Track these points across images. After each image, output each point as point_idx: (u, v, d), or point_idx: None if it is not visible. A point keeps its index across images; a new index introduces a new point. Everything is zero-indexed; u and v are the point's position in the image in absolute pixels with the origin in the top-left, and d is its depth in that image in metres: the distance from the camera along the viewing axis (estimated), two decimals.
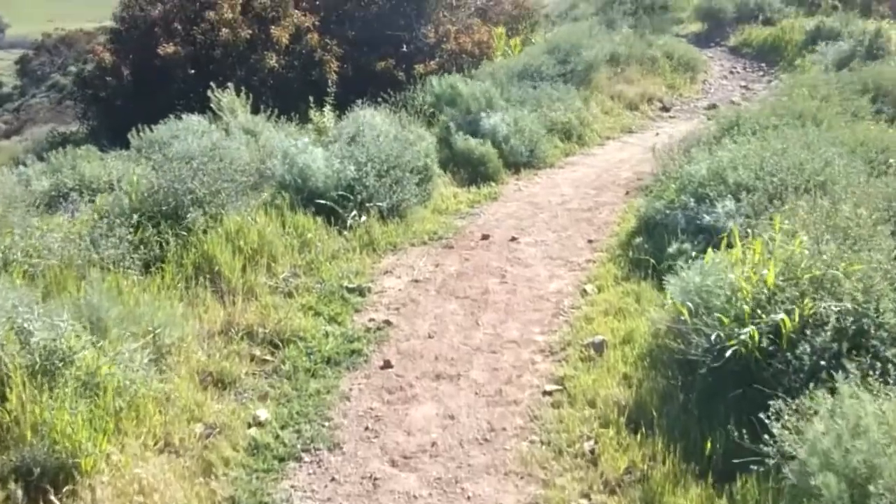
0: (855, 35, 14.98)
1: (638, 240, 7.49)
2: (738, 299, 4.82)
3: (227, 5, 13.84)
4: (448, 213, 9.14)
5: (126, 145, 10.88)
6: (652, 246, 7.22)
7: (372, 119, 10.15)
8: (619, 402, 5.01)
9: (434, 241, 8.22)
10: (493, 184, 10.19)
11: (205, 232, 7.08)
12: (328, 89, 11.52)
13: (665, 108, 14.15)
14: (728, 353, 4.50)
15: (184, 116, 10.93)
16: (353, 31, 15.02)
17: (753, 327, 4.47)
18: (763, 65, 18.03)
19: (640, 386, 5.16)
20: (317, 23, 14.35)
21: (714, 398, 4.61)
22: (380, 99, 12.79)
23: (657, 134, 12.85)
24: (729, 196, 6.92)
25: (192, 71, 13.95)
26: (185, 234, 7.03)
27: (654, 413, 4.74)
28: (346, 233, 7.92)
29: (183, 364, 5.37)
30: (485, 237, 8.28)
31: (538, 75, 13.54)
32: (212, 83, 11.53)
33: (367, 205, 8.27)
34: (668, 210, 7.41)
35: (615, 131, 12.87)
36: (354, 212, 8.12)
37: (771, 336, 4.50)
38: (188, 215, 7.16)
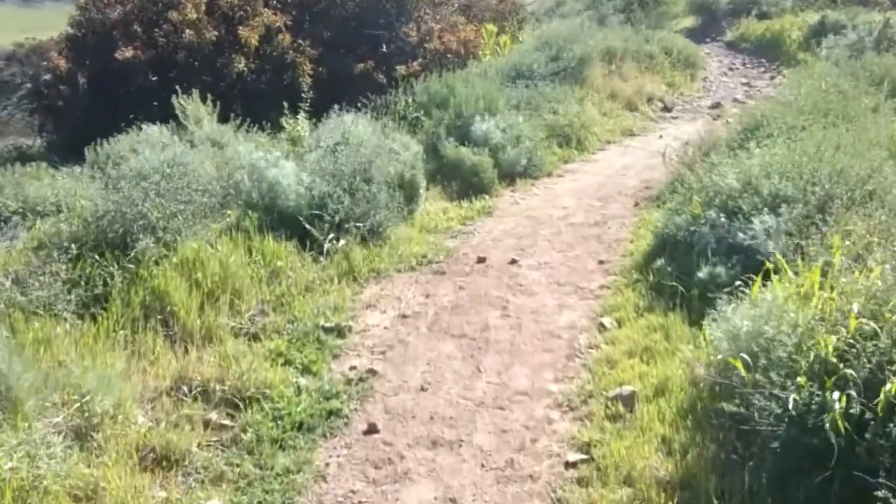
0: (861, 27, 14.09)
1: (659, 261, 6.48)
2: (811, 349, 3.83)
3: (190, 5, 12.77)
4: (438, 231, 8.12)
5: (83, 160, 9.82)
6: (676, 269, 6.24)
7: (350, 126, 9.11)
8: (661, 479, 4.01)
9: (423, 265, 7.20)
10: (486, 197, 9.18)
11: (157, 263, 6.05)
12: (302, 94, 10.48)
13: (666, 108, 13.20)
14: (812, 424, 3.50)
15: (144, 127, 9.87)
16: (329, 31, 14.00)
17: (841, 393, 3.48)
18: (763, 60, 17.13)
19: (686, 455, 4.16)
20: (289, 23, 13.29)
21: (791, 481, 3.61)
22: (359, 104, 11.82)
23: (660, 136, 11.88)
24: (765, 210, 5.95)
25: (154, 77, 12.86)
26: (133, 266, 5.99)
27: (713, 498, 3.73)
28: (322, 259, 6.90)
29: (118, 439, 4.32)
30: (481, 260, 7.27)
31: (530, 74, 12.54)
32: (175, 89, 10.47)
33: (346, 225, 7.24)
34: (693, 227, 6.42)
35: (615, 134, 11.89)
36: (331, 234, 7.09)
37: (863, 401, 3.51)
38: (137, 244, 6.12)
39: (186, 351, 5.36)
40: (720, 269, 5.76)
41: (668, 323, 5.61)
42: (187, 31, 12.55)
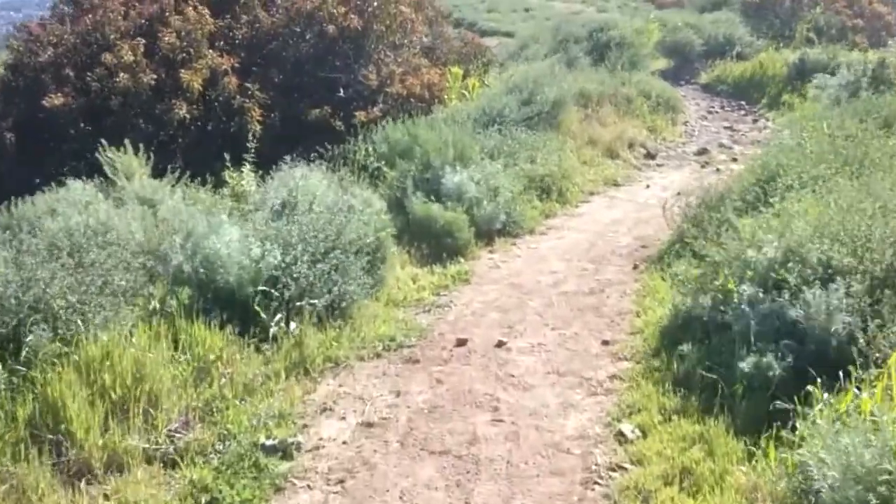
0: (855, 66, 13.28)
1: (684, 347, 5.28)
2: None
3: (126, 46, 11.45)
4: (408, 304, 6.87)
5: None
6: (707, 355, 5.06)
7: (304, 181, 7.88)
8: None
9: (392, 351, 5.92)
10: (462, 260, 7.95)
11: (53, 364, 4.72)
12: (248, 144, 9.24)
13: (650, 155, 12.17)
14: None
15: (69, 182, 8.53)
16: (281, 74, 12.76)
17: None
18: (742, 103, 16.29)
19: None
20: (237, 65, 12.02)
21: None
22: (315, 153, 10.63)
23: (647, 186, 10.82)
24: (817, 283, 4.79)
25: (87, 126, 11.51)
26: (22, 370, 4.67)
27: None
28: (267, 347, 5.59)
29: None
30: (461, 342, 6.01)
31: (502, 119, 11.44)
32: (106, 140, 9.14)
33: (299, 303, 5.96)
34: (724, 305, 5.23)
35: (598, 184, 10.79)
36: (280, 315, 5.80)
37: None
38: (28, 339, 4.80)
39: (77, 488, 4.01)
40: (769, 360, 4.57)
41: (709, 432, 4.39)
42: (122, 74, 11.25)
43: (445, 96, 13.09)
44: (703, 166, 11.76)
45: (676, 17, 21.98)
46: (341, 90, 12.85)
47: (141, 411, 4.67)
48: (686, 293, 5.91)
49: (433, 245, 8.02)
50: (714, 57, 18.61)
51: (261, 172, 9.16)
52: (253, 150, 9.69)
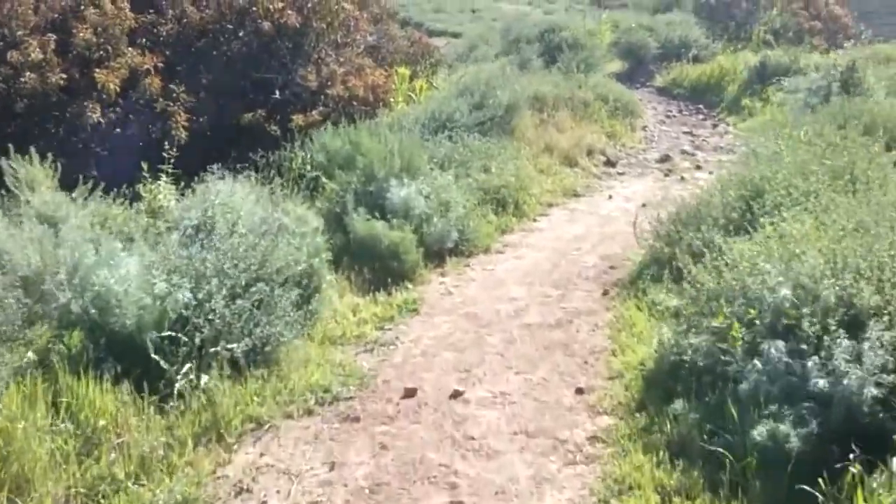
0: (824, 69, 12.66)
1: (677, 403, 4.40)
2: None
3: (35, 43, 10.26)
4: (347, 342, 5.90)
5: None
6: (706, 415, 4.20)
7: (228, 196, 6.86)
8: None
9: (326, 405, 4.95)
10: (410, 285, 7.01)
11: None
12: (165, 153, 8.17)
13: (610, 163, 11.37)
14: None
15: None
16: (211, 74, 11.67)
17: None
18: (701, 107, 15.65)
19: None
20: (160, 64, 10.89)
21: None
22: (247, 162, 9.64)
23: (610, 197, 10.00)
24: (841, 332, 3.95)
25: None
26: None
27: None
28: (171, 408, 4.58)
29: None
30: (409, 393, 5.07)
31: (452, 124, 10.53)
32: (12, 147, 7.99)
33: (214, 349, 4.96)
34: (725, 353, 4.37)
35: (557, 195, 9.93)
36: (190, 365, 4.80)
37: None
38: None
39: None
40: (786, 428, 3.73)
41: None
42: (28, 74, 10.06)
43: (391, 99, 12.15)
44: (666, 175, 11.00)
45: (629, 18, 21.35)
46: (277, 92, 11.82)
47: (3, 501, 3.64)
48: (672, 331, 5.05)
49: (377, 269, 7.06)
50: (669, 59, 17.96)
51: (183, 185, 8.12)
52: (174, 159, 8.65)
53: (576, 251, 8.01)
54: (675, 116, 15.09)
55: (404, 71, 12.43)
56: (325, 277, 6.17)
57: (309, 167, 8.87)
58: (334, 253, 7.17)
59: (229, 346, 5.01)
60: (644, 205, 9.55)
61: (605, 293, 6.84)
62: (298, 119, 10.97)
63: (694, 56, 17.70)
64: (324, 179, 8.42)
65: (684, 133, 13.70)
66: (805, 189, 6.42)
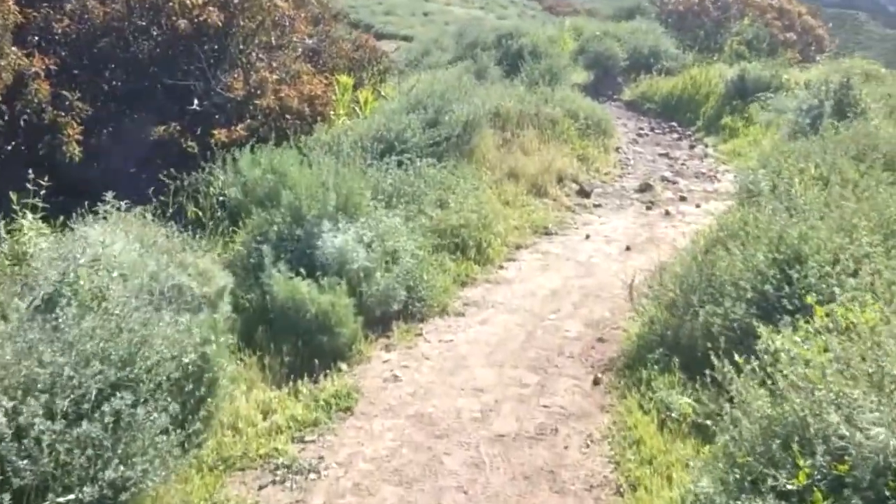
0: (815, 87, 11.34)
1: None
2: None
3: None
4: (249, 466, 4.26)
5: None
6: None
7: (105, 245, 5.15)
8: None
9: None
10: (344, 367, 5.39)
11: None
12: (33, 184, 6.42)
13: (584, 192, 9.86)
14: None
15: None
16: (116, 80, 9.94)
17: None
18: (674, 124, 14.25)
19: None
20: (53, 67, 9.10)
21: None
22: (157, 187, 8.01)
23: (587, 237, 8.46)
24: None
25: None
26: None
27: None
28: None
29: None
30: None
31: (403, 145, 8.92)
32: None
33: (44, 501, 3.30)
34: None
35: (526, 234, 8.37)
36: None
37: None
38: None
39: None
40: None
41: None
42: None
43: (331, 112, 10.49)
44: (648, 207, 9.51)
45: (592, 25, 19.97)
46: (196, 102, 10.08)
47: None
48: (711, 482, 3.51)
49: (302, 346, 5.40)
50: (637, 70, 16.59)
51: (62, 220, 6.38)
52: (64, 182, 6.98)
53: (553, 314, 6.44)
54: (647, 135, 13.66)
55: (347, 79, 10.77)
56: (225, 370, 4.49)
57: (226, 204, 7.22)
58: (245, 325, 5.52)
59: (62, 499, 3.35)
60: (628, 248, 8.09)
61: (597, 382, 5.28)
62: (220, 134, 9.27)
63: (664, 68, 16.34)
64: (251, 213, 6.74)
65: (660, 155, 12.26)
66: (854, 253, 4.96)
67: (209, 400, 4.34)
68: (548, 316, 6.41)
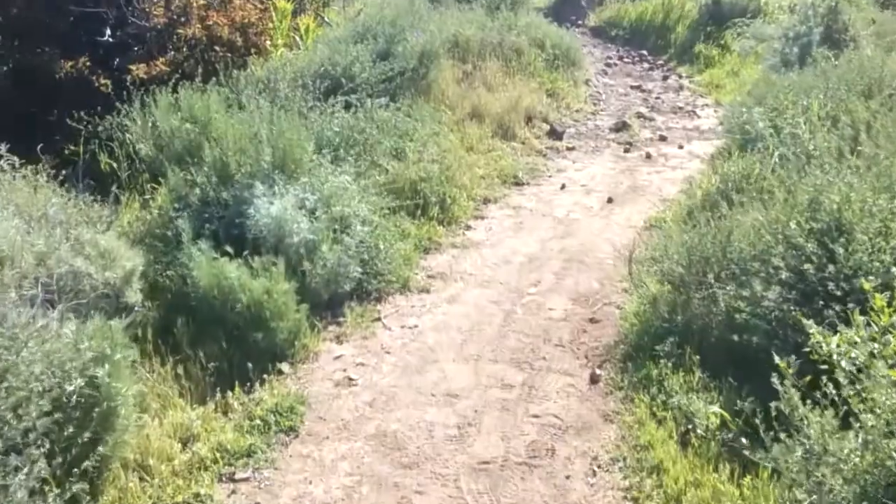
0: (800, 11, 10.35)
1: None
2: None
3: None
4: None
5: None
6: None
7: None
8: None
9: None
10: (285, 368, 4.39)
11: None
12: None
13: (555, 133, 8.82)
14: None
15: None
16: (15, 7, 8.54)
17: None
18: (644, 53, 13.16)
19: None
20: None
21: None
22: (63, 135, 6.93)
23: (563, 187, 7.46)
24: None
25: None
26: None
27: None
28: None
29: None
30: None
31: (351, 82, 7.76)
32: None
33: None
34: None
35: (494, 185, 7.33)
36: None
37: None
38: None
39: None
40: None
41: None
42: None
43: (268, 42, 9.23)
44: (626, 150, 8.52)
45: None
46: (109, 32, 8.74)
47: None
48: None
49: (231, 345, 4.36)
50: None
51: None
52: None
53: (533, 288, 5.47)
54: (616, 65, 12.57)
55: (286, 4, 9.45)
56: (125, 397, 3.44)
57: (141, 160, 6.06)
58: (161, 318, 4.46)
59: None
60: (610, 199, 7.13)
61: (594, 379, 4.35)
62: (138, 70, 8.01)
63: None
64: (169, 172, 5.59)
65: (632, 88, 11.22)
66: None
67: (105, 439, 3.32)
68: (527, 290, 5.44)
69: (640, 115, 9.74)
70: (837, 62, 8.11)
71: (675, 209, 6.58)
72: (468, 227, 6.49)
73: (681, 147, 8.62)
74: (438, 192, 6.53)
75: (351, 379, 4.36)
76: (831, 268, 3.86)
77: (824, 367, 3.36)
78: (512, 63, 9.83)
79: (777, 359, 3.43)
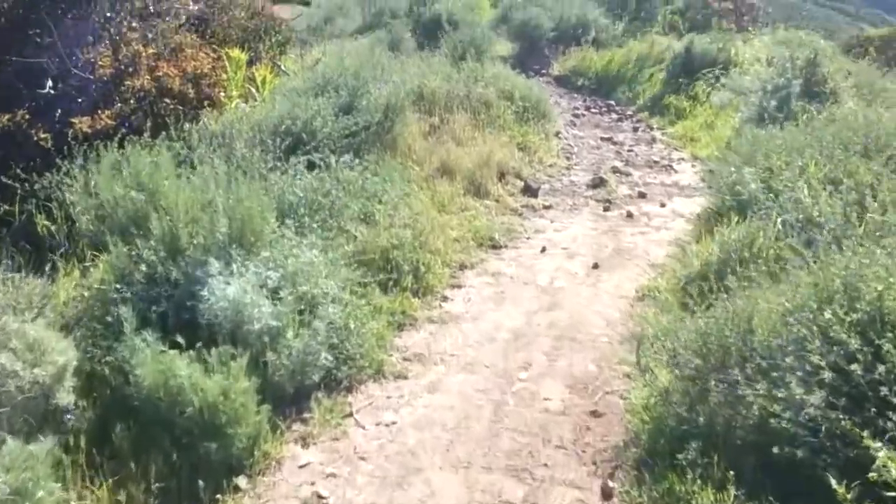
0: (778, 63, 10.08)
1: None
2: None
3: None
4: None
5: None
6: None
7: None
8: None
9: None
10: (242, 483, 3.73)
11: None
12: None
13: (530, 190, 8.32)
14: None
15: None
16: None
17: None
18: (612, 103, 12.84)
19: None
20: None
21: None
22: None
23: (543, 250, 6.93)
24: None
25: None
26: None
27: None
28: None
29: None
30: None
31: (311, 138, 7.19)
32: None
33: None
34: None
35: (470, 248, 6.78)
36: None
37: None
38: None
39: None
40: None
41: None
42: None
43: (222, 95, 8.65)
44: (606, 208, 8.05)
45: None
46: (50, 83, 8.08)
47: None
48: None
49: (179, 458, 3.70)
50: (566, 42, 15.09)
51: None
52: None
53: (524, 372, 4.89)
54: (584, 115, 12.20)
55: (240, 54, 8.89)
56: None
57: (81, 229, 5.38)
58: (98, 422, 3.79)
59: None
60: (596, 265, 6.61)
61: (607, 495, 3.76)
62: (82, 124, 7.36)
63: (594, 39, 14.91)
64: (102, 245, 4.94)
65: (603, 140, 10.83)
66: None
67: None
68: (517, 375, 4.86)
69: (615, 170, 9.31)
70: (826, 117, 7.78)
71: (668, 277, 6.08)
72: (445, 299, 5.91)
73: (663, 205, 8.19)
74: (411, 260, 5.95)
75: (320, 497, 3.71)
76: (881, 368, 3.35)
77: (890, 493, 2.88)
78: (480, 116, 9.36)
79: (833, 482, 2.93)
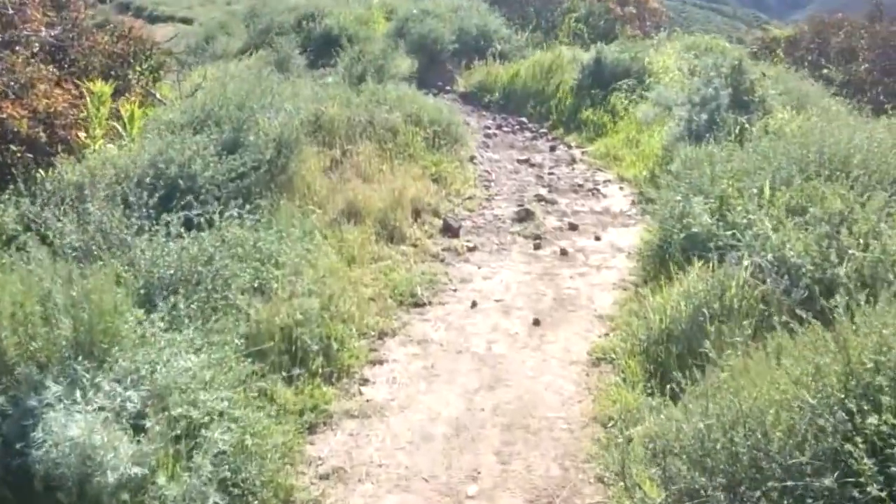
0: (704, 71, 9.39)
1: None
2: None
3: None
4: None
5: None
6: None
7: None
8: None
9: None
10: None
11: None
12: None
13: (450, 230, 7.32)
14: None
15: None
16: None
17: None
18: (524, 120, 11.96)
19: None
20: None
21: None
22: None
23: (473, 305, 5.93)
24: None
25: None
26: None
27: None
28: None
29: None
30: None
31: (189, 183, 6.02)
32: None
33: None
34: None
35: (388, 308, 5.73)
36: None
37: None
38: None
39: None
40: None
41: None
42: None
43: (83, 136, 7.39)
44: (537, 246, 7.12)
45: (406, 2, 17.41)
46: None
47: None
48: None
49: None
50: (468, 56, 14.17)
51: None
52: None
53: (473, 485, 3.86)
54: (496, 135, 11.29)
55: (103, 86, 7.61)
56: None
57: None
58: None
59: None
60: (537, 321, 5.66)
61: None
62: None
63: (498, 52, 14.06)
64: None
65: (520, 162, 9.93)
66: None
67: None
68: (464, 490, 3.83)
69: (540, 198, 8.41)
70: (760, 129, 7.08)
71: (623, 336, 5.18)
72: (365, 381, 4.84)
73: (598, 238, 7.32)
74: (320, 336, 4.87)
75: None
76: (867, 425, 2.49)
77: None
78: (388, 145, 8.32)
79: None
